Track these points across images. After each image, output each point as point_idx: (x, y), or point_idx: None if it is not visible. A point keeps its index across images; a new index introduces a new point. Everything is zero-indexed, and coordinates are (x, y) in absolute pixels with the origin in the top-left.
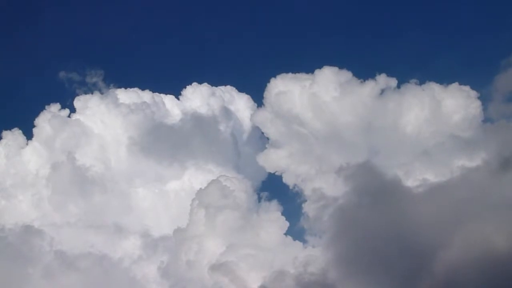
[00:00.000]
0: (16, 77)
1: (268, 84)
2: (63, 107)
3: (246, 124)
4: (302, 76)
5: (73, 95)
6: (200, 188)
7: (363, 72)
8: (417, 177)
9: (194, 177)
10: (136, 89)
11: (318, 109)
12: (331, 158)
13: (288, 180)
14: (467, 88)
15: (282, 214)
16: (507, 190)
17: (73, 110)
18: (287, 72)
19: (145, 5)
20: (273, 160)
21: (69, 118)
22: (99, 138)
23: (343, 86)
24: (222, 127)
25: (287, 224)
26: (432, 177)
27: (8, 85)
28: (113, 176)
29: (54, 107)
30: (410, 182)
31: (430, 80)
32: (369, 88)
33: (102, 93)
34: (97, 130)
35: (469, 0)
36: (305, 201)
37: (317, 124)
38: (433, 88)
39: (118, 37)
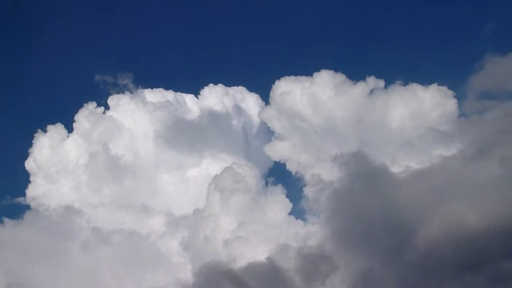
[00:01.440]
0: (59, 79)
1: (273, 85)
2: (99, 105)
3: (255, 119)
4: (303, 78)
5: (107, 95)
6: (216, 174)
7: (355, 75)
8: (401, 164)
9: (211, 165)
10: (161, 89)
11: (317, 107)
12: (327, 148)
13: (291, 167)
14: (444, 88)
15: (286, 196)
16: (479, 176)
17: (107, 107)
18: (289, 75)
19: (170, 18)
20: (278, 150)
21: (104, 115)
22: (130, 132)
23: (338, 87)
24: (234, 122)
25: (291, 205)
26: (414, 164)
27: (52, 86)
28: (141, 164)
29: (91, 105)
30: (395, 169)
31: (413, 81)
32: (360, 88)
33: (132, 93)
34: (128, 125)
35: (446, 10)
36: (306, 185)
37: (316, 119)
38: (415, 88)
39: (146, 44)
